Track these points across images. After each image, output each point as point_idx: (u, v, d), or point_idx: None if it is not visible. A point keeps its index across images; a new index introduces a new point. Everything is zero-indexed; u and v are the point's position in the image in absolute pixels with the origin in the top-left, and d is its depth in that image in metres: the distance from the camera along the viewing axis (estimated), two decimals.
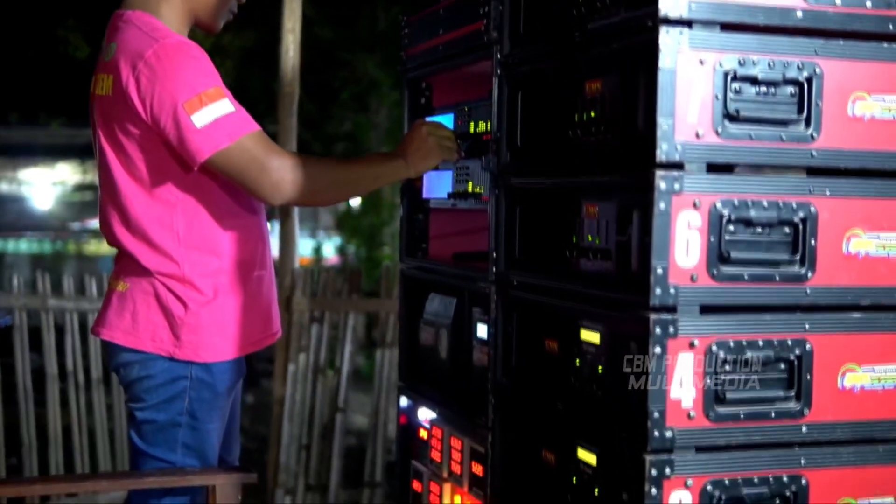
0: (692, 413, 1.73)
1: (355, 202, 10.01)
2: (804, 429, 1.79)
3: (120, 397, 4.34)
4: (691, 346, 1.73)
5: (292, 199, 2.33)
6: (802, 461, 1.80)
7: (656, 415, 1.71)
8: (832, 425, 1.81)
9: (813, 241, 1.78)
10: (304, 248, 10.60)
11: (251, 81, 8.97)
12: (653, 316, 1.71)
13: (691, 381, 1.73)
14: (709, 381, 1.74)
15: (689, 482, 1.74)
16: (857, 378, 1.82)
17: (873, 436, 1.84)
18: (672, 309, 1.72)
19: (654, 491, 1.71)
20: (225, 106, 2.25)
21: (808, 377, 1.79)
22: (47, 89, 10.76)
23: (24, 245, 12.68)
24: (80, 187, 13.42)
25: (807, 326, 1.79)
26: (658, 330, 1.71)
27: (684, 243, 1.72)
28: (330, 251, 10.85)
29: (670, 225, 1.71)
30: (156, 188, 2.33)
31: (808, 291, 1.79)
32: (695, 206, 1.72)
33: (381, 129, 9.31)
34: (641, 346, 1.76)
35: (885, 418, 1.84)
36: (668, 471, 1.72)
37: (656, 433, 1.72)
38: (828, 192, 1.79)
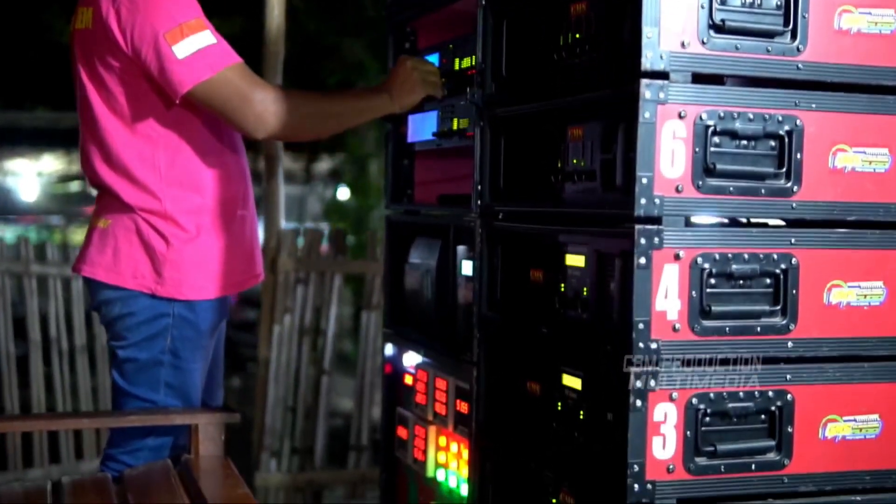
0: (677, 325, 1.72)
1: (344, 193, 9.97)
2: (790, 344, 1.78)
3: (104, 365, 4.30)
4: (676, 257, 1.72)
5: (276, 132, 2.31)
6: (788, 377, 1.79)
7: (641, 326, 1.70)
8: (818, 342, 1.80)
9: (799, 155, 1.77)
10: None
11: None
12: (638, 227, 1.70)
13: (676, 293, 1.71)
14: (694, 293, 1.73)
15: (675, 395, 1.72)
16: (843, 294, 1.81)
17: (858, 353, 1.83)
18: (657, 220, 1.71)
19: (638, 403, 1.70)
20: (207, 37, 2.23)
21: (794, 292, 1.78)
22: (32, 75, 10.69)
23: (9, 234, 12.60)
24: (65, 178, 13.34)
25: (793, 241, 1.78)
26: (643, 241, 1.70)
27: (669, 154, 1.71)
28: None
29: (655, 135, 1.69)
30: (137, 123, 2.31)
31: (794, 206, 1.78)
32: (680, 116, 1.71)
33: None
34: (626, 260, 1.75)
35: (871, 335, 1.83)
36: (652, 383, 1.71)
37: (641, 345, 1.70)
38: (814, 106, 1.78)
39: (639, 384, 1.70)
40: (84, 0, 2.34)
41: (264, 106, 2.26)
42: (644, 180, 1.69)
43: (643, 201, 1.69)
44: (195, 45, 2.20)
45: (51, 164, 13.63)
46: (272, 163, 3.70)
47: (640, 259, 1.69)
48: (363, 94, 2.46)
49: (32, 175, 13.74)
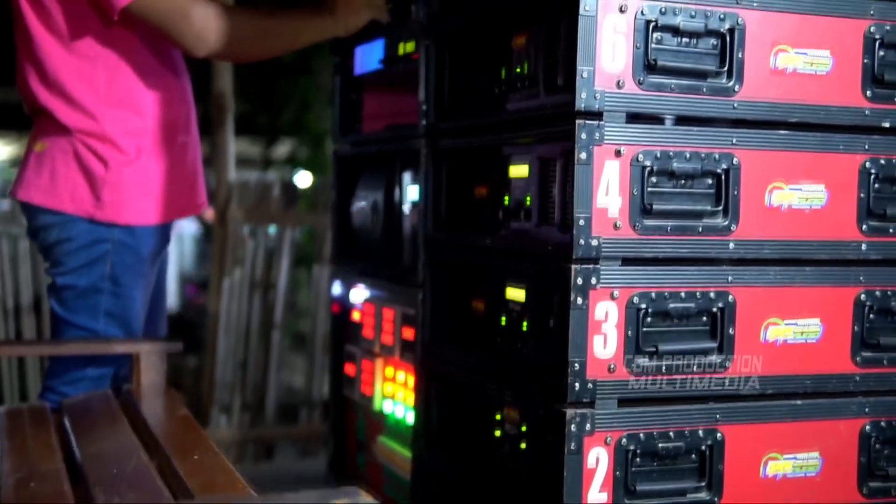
0: (618, 223, 1.70)
1: (304, 180, 9.87)
2: (731, 245, 1.77)
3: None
4: (617, 153, 1.70)
5: (216, 49, 2.26)
6: (729, 278, 1.78)
7: (581, 222, 1.68)
8: (759, 243, 1.79)
9: (740, 54, 1.76)
10: None
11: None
12: (578, 122, 1.67)
13: (618, 189, 1.70)
14: (635, 191, 1.71)
15: (616, 294, 1.70)
16: (785, 196, 1.80)
17: (800, 256, 1.82)
18: (598, 115, 1.68)
19: (579, 301, 1.68)
20: None
21: (736, 193, 1.77)
22: None
23: None
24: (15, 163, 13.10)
25: (734, 140, 1.77)
26: (584, 135, 1.67)
27: (610, 48, 1.68)
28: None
29: (596, 29, 1.67)
30: (75, 41, 2.25)
31: (736, 105, 1.77)
32: (621, 10, 1.69)
33: (325, 90, 9.19)
34: (568, 160, 1.73)
35: (812, 239, 1.82)
36: (593, 280, 1.69)
37: (582, 241, 1.68)
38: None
39: (580, 281, 1.68)
40: None
41: (204, 22, 2.22)
42: (584, 74, 1.67)
43: (584, 95, 1.67)
44: None
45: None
46: (222, 113, 3.64)
47: (581, 154, 1.67)
48: (307, 14, 2.41)
49: None
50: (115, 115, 2.29)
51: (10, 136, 13.07)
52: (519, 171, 1.94)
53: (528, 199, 1.90)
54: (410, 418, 2.34)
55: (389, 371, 2.48)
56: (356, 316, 2.69)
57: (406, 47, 2.39)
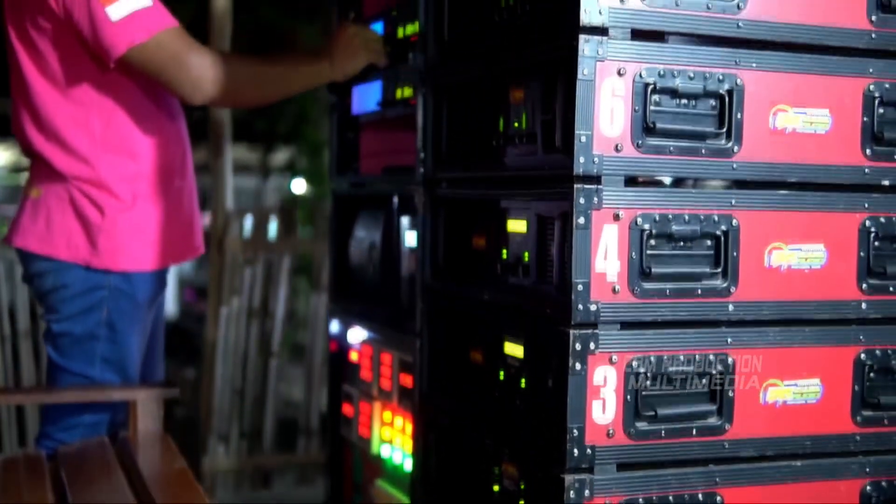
0: (617, 287, 1.69)
1: (300, 186, 9.85)
2: (731, 307, 1.76)
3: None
4: (616, 217, 1.68)
5: (213, 97, 2.25)
6: (729, 340, 1.77)
7: (580, 287, 1.67)
8: (758, 304, 1.78)
9: (739, 115, 1.75)
10: (248, 231, 10.42)
11: None
12: (577, 186, 1.66)
13: (616, 253, 1.69)
14: (634, 255, 1.70)
15: (614, 358, 1.69)
16: (784, 257, 1.79)
17: (799, 316, 1.81)
18: (596, 179, 1.67)
19: (577, 366, 1.67)
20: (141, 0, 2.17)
21: (735, 254, 1.75)
22: None
23: None
24: (16, 169, 13.08)
25: (733, 202, 1.76)
26: (582, 200, 1.66)
27: (609, 112, 1.67)
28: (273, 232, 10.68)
29: (595, 92, 1.66)
30: (70, 87, 2.24)
31: (735, 166, 1.76)
32: (619, 73, 1.68)
33: (323, 100, 9.18)
34: (566, 221, 1.71)
35: (811, 299, 1.81)
36: (592, 345, 1.68)
37: (580, 306, 1.67)
38: (754, 65, 1.75)
39: (578, 346, 1.66)
40: None
41: (201, 71, 2.21)
42: (583, 138, 1.66)
43: (582, 160, 1.66)
44: (129, 7, 2.14)
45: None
46: (219, 142, 3.62)
47: (580, 219, 1.66)
48: (303, 60, 2.40)
49: None
50: (111, 161, 2.27)
51: (10, 142, 13.08)
52: (517, 225, 1.93)
53: (527, 255, 1.89)
54: (408, 465, 2.33)
55: (387, 416, 2.47)
56: (354, 356, 2.68)
57: (404, 92, 2.38)
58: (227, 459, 3.80)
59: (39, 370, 4.31)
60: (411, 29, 2.35)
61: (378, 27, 2.54)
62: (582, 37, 1.65)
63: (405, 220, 2.40)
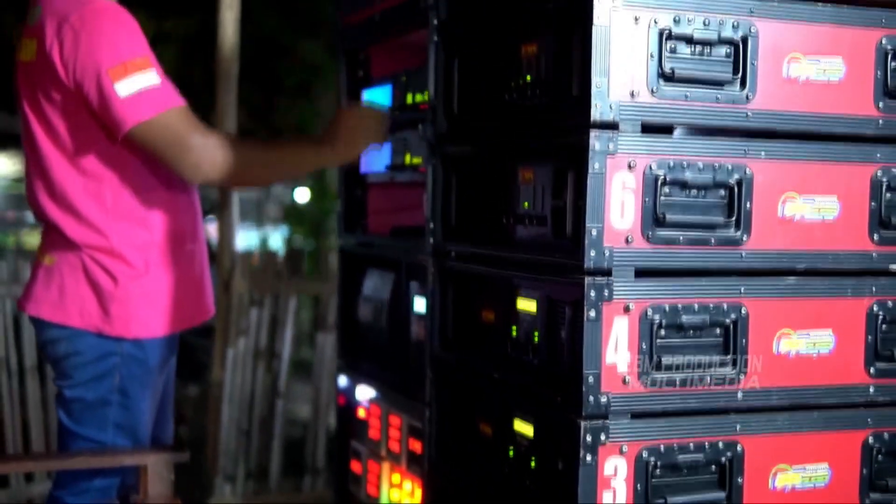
0: (627, 378, 1.71)
1: (303, 195, 9.86)
2: (740, 395, 1.78)
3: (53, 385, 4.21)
4: (626, 309, 1.70)
5: (212, 180, 2.26)
6: (738, 427, 1.78)
7: (591, 379, 1.68)
8: (768, 391, 1.80)
9: (748, 204, 1.76)
10: (251, 239, 10.46)
11: (194, 68, 8.81)
12: (588, 279, 1.68)
13: (626, 345, 1.70)
14: (644, 346, 1.72)
15: (625, 449, 1.71)
16: (793, 343, 1.81)
17: (808, 402, 1.82)
18: (607, 272, 1.70)
19: (588, 458, 1.69)
20: (150, 77, 2.18)
21: (744, 342, 1.77)
22: None
23: None
24: (21, 179, 13.10)
25: (742, 290, 1.78)
26: (592, 294, 1.68)
27: (619, 204, 1.69)
28: (277, 242, 10.71)
29: (605, 186, 1.68)
30: (81, 157, 2.26)
31: (744, 255, 1.78)
32: (629, 167, 1.70)
33: (327, 117, 9.19)
34: (576, 310, 1.73)
35: (820, 384, 1.83)
36: (602, 437, 1.69)
37: (591, 398, 1.69)
38: (763, 155, 1.77)
39: (589, 438, 1.68)
40: (28, 31, 2.28)
41: (201, 154, 2.21)
42: (594, 232, 1.68)
43: (593, 253, 1.68)
44: (138, 85, 2.15)
45: (5, 165, 13.41)
46: (226, 195, 3.64)
47: (590, 312, 1.68)
48: (304, 146, 2.39)
49: None
50: (123, 230, 2.29)
51: (12, 153, 13.10)
52: (527, 305, 1.95)
53: (536, 335, 1.91)
54: None
55: (396, 478, 2.48)
56: (362, 413, 2.69)
57: (413, 159, 2.40)
58: (234, 499, 3.82)
59: (47, 408, 4.34)
60: (420, 97, 2.37)
61: (386, 90, 2.56)
62: (593, 132, 1.67)
63: (414, 285, 2.42)
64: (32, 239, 12.29)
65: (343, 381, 2.81)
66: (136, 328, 2.31)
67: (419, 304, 2.38)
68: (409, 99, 2.43)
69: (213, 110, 3.89)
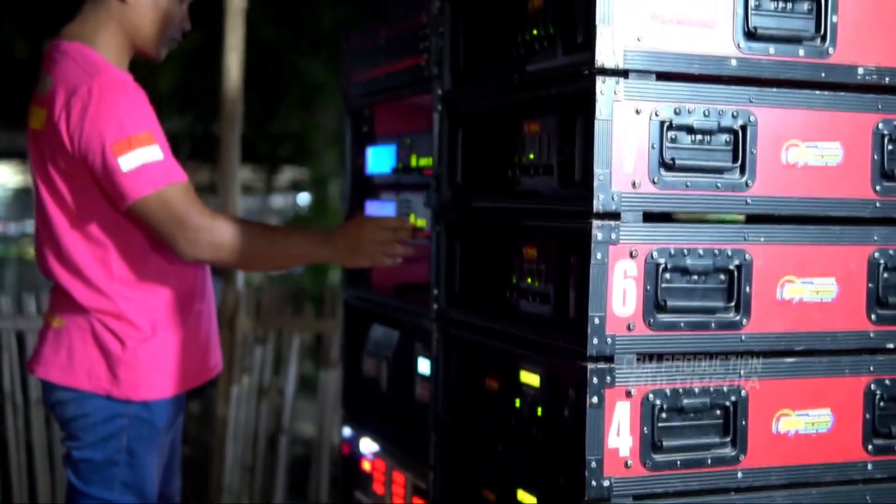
0: (629, 462, 1.74)
1: (303, 198, 9.85)
2: (739, 475, 1.81)
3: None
4: (628, 394, 1.74)
5: (206, 260, 2.28)
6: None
7: (594, 465, 1.72)
8: (767, 471, 1.83)
9: (748, 288, 1.80)
10: None
11: (197, 83, 8.82)
12: (590, 366, 1.72)
13: (628, 429, 1.74)
14: (646, 430, 1.75)
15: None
16: (792, 423, 1.84)
17: (806, 480, 1.86)
18: (609, 358, 1.73)
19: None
20: (153, 152, 2.20)
21: (744, 423, 1.81)
22: None
23: None
24: (23, 190, 13.13)
25: (742, 372, 1.81)
26: (595, 380, 1.72)
27: (621, 292, 1.72)
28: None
29: (607, 274, 1.71)
30: (87, 224, 2.29)
31: (743, 338, 1.81)
32: (631, 255, 1.73)
33: (327, 130, 9.20)
34: (579, 392, 1.76)
35: (818, 462, 1.86)
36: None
37: (594, 483, 1.72)
38: (762, 239, 1.81)
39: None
40: (38, 100, 2.31)
41: (197, 234, 2.22)
42: (596, 321, 1.71)
43: (595, 341, 1.71)
44: (140, 160, 2.18)
45: (7, 175, 13.43)
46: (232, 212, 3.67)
47: (593, 398, 1.71)
48: (307, 242, 2.36)
49: None
50: (129, 295, 2.32)
51: (16, 165, 13.12)
52: (530, 378, 1.98)
53: (540, 410, 1.94)
54: None
55: None
56: (366, 465, 2.73)
57: (417, 221, 2.43)
58: None
59: (51, 437, 4.37)
60: (425, 161, 2.40)
61: (391, 149, 2.59)
62: (595, 222, 1.70)
63: (418, 346, 2.45)
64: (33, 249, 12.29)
65: (347, 431, 2.84)
66: (143, 390, 2.34)
67: (423, 366, 2.41)
68: (414, 162, 2.46)
69: (215, 121, 3.87)
